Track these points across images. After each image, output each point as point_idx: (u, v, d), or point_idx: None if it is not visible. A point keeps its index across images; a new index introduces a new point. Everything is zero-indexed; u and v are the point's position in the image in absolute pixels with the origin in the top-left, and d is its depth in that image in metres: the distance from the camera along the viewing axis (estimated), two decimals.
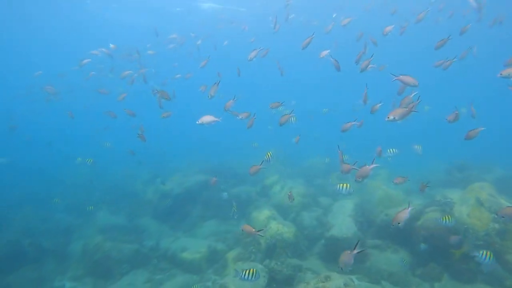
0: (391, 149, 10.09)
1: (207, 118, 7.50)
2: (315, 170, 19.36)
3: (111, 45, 16.10)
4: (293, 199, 9.67)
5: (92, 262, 11.21)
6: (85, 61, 13.54)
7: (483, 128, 7.26)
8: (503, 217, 6.26)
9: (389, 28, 10.27)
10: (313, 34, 9.09)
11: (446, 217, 7.93)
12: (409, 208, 5.99)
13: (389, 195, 12.55)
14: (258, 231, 6.60)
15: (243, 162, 21.40)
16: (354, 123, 8.48)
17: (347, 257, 5.28)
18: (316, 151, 20.65)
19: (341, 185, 7.26)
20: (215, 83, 7.97)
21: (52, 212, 15.54)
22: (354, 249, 5.20)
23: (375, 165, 6.32)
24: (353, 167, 6.75)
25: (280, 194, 14.31)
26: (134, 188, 18.18)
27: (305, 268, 9.39)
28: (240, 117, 8.55)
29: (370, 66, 8.72)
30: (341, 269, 5.32)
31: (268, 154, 7.82)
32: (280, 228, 10.58)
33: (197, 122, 7.56)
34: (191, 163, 20.62)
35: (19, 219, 15.52)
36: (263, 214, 11.49)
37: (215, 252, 11.30)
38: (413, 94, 6.98)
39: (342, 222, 11.10)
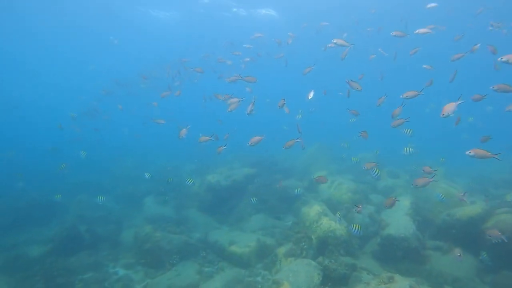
0: (407, 148, 9.73)
1: (255, 139, 8.54)
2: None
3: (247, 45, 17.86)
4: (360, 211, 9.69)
5: (143, 251, 11.35)
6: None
7: None
8: None
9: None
10: (351, 44, 10.06)
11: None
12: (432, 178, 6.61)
13: (450, 194, 11.68)
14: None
15: (287, 157, 21.13)
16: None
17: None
18: (364, 148, 19.86)
19: None
20: (251, 102, 9.15)
21: (103, 201, 16.20)
22: None
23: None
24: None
25: (330, 190, 13.82)
26: (180, 180, 18.39)
27: (360, 268, 8.92)
28: (296, 140, 9.02)
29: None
30: None
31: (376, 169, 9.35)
32: (333, 225, 10.14)
33: (250, 145, 8.67)
34: (236, 156, 20.57)
35: (74, 206, 16.29)
36: (313, 209, 11.07)
37: (264, 247, 11.03)
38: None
39: (399, 220, 10.45)
